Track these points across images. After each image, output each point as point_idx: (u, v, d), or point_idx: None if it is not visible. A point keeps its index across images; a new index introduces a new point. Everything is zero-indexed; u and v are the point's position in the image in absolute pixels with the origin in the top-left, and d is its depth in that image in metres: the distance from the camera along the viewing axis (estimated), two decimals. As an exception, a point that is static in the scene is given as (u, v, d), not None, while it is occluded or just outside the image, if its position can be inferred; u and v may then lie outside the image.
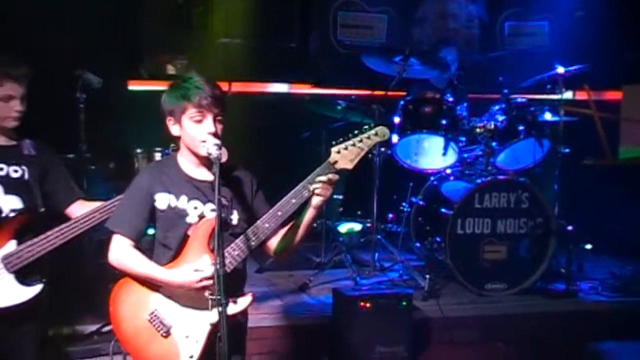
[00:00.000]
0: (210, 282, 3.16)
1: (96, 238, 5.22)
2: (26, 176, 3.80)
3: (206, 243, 3.31)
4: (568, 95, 6.30)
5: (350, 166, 3.31)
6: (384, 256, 6.35)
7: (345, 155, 3.29)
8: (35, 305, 3.72)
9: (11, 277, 3.63)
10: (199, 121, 3.30)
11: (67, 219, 3.80)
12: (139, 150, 5.28)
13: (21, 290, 3.65)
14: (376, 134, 3.32)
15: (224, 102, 3.36)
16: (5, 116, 3.70)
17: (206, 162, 3.36)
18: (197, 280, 3.21)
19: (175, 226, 3.36)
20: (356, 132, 3.32)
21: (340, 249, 6.22)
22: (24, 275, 3.66)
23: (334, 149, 3.29)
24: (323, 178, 3.24)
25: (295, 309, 5.45)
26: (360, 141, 3.30)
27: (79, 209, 3.87)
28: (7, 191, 3.74)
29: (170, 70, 7.26)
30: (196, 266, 3.25)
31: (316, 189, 3.25)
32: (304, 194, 3.28)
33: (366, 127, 3.35)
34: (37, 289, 3.69)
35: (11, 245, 3.65)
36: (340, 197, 6.75)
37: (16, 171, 3.78)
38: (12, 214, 3.71)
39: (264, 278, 6.09)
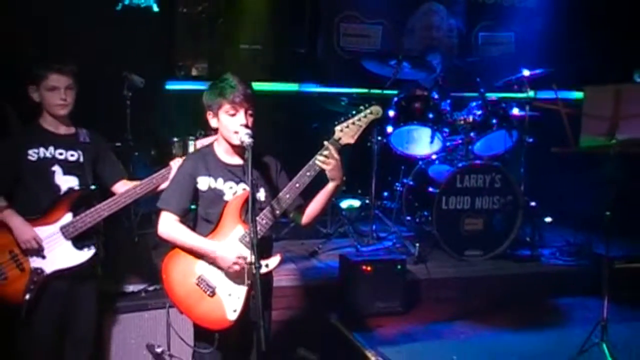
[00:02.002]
0: (242, 262, 3.15)
1: (140, 212, 5.22)
2: (81, 159, 3.73)
3: (238, 215, 3.26)
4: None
5: (352, 141, 3.24)
6: (380, 228, 6.30)
7: (347, 132, 3.22)
8: (91, 266, 3.71)
9: (69, 243, 3.62)
10: (233, 115, 3.22)
11: (113, 195, 3.75)
12: (175, 139, 5.34)
13: (77, 254, 3.64)
14: (371, 113, 3.25)
15: (254, 99, 3.27)
16: (53, 104, 3.61)
17: (238, 149, 3.30)
18: (233, 259, 3.18)
19: (215, 204, 3.30)
20: (354, 112, 3.24)
21: (344, 221, 6.16)
22: (79, 242, 3.64)
23: (337, 128, 3.22)
24: (325, 152, 3.18)
25: (307, 271, 5.42)
26: (359, 119, 3.23)
27: (122, 187, 3.82)
28: (65, 172, 3.68)
29: (194, 72, 7.17)
30: (234, 237, 3.23)
31: (319, 161, 3.18)
32: (315, 167, 3.21)
33: (362, 107, 3.25)
34: (90, 253, 3.67)
35: (68, 217, 3.62)
36: (344, 178, 6.66)
37: (73, 155, 3.71)
38: (69, 191, 3.66)
39: (279, 246, 5.96)
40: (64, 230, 3.59)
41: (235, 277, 3.23)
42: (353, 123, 3.20)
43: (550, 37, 7.58)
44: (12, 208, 3.56)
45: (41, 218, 3.58)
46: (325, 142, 3.19)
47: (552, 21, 7.67)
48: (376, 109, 3.24)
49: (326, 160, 3.17)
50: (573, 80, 5.39)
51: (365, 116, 3.22)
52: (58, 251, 3.59)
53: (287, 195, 3.23)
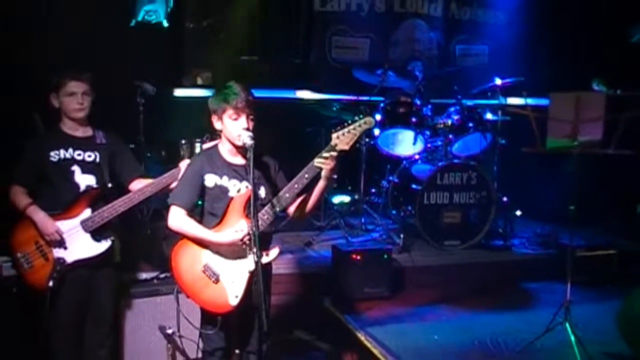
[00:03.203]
0: (249, 236, 3.14)
1: (152, 207, 5.21)
2: (98, 160, 3.74)
3: (242, 210, 3.26)
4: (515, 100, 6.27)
5: (347, 147, 3.23)
6: (368, 221, 6.27)
7: (342, 139, 3.20)
8: (108, 256, 3.72)
9: (88, 236, 3.63)
10: (236, 119, 3.23)
11: (129, 192, 3.76)
12: (183, 141, 5.33)
13: (95, 246, 3.65)
14: (365, 123, 3.23)
15: (254, 105, 3.29)
16: (71, 108, 3.63)
17: (241, 150, 3.30)
18: (240, 238, 3.19)
19: (220, 199, 3.30)
20: (350, 121, 3.23)
21: (335, 215, 6.15)
22: (97, 234, 3.66)
23: (334, 135, 3.21)
24: (325, 155, 3.18)
25: (303, 260, 5.40)
26: (354, 128, 3.21)
27: (137, 184, 3.82)
28: (84, 171, 3.69)
29: (199, 81, 7.10)
30: (235, 228, 3.22)
31: (319, 163, 3.18)
32: (314, 169, 3.21)
33: (356, 117, 3.25)
34: (107, 244, 3.68)
35: (87, 212, 3.64)
36: (335, 176, 6.63)
37: (90, 156, 3.72)
38: (88, 189, 3.68)
39: (277, 237, 5.83)
40: (83, 224, 3.61)
41: (238, 265, 3.24)
42: (348, 131, 3.19)
43: (519, 50, 7.56)
44: (36, 204, 3.58)
45: (63, 213, 3.59)
46: (323, 150, 3.19)
47: (521, 35, 7.66)
48: (369, 120, 3.24)
49: (325, 161, 3.17)
50: (540, 88, 5.38)
51: (359, 125, 3.21)
52: (78, 243, 3.60)
53: (287, 195, 3.24)
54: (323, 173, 3.22)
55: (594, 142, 4.19)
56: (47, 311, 3.43)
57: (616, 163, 5.88)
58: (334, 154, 3.17)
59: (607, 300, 5.08)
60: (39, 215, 3.54)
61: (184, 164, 3.61)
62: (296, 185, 3.23)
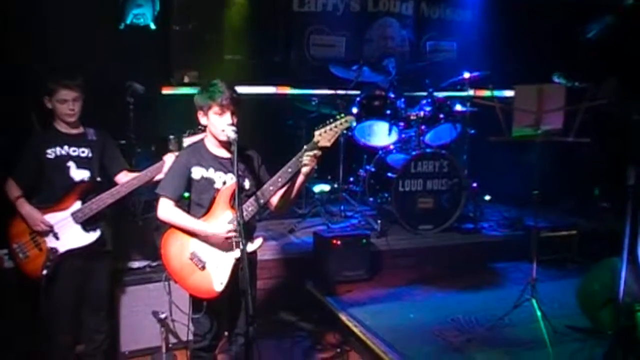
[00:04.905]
0: (234, 233, 3.14)
1: (144, 199, 5.16)
2: (90, 155, 3.73)
3: (228, 202, 3.24)
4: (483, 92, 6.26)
5: (328, 144, 3.22)
6: (347, 208, 6.26)
7: (324, 136, 3.19)
8: (100, 246, 3.70)
9: (78, 227, 3.63)
10: (221, 115, 3.20)
11: (116, 184, 3.75)
12: (171, 137, 5.16)
13: (85, 236, 3.64)
14: (346, 121, 3.22)
15: (239, 101, 3.25)
16: (63, 113, 3.63)
17: (225, 144, 3.27)
18: (226, 232, 3.18)
19: (206, 191, 3.28)
20: (331, 120, 3.21)
21: (316, 203, 6.13)
22: (87, 225, 3.64)
23: (316, 132, 3.19)
24: (310, 153, 3.15)
25: (286, 246, 5.38)
26: (335, 127, 3.20)
27: (124, 177, 3.81)
28: (78, 166, 3.69)
29: (186, 80, 6.98)
30: (224, 220, 3.21)
31: (304, 160, 3.16)
32: (297, 164, 3.18)
33: (338, 116, 3.23)
34: (96, 234, 3.67)
35: (77, 205, 3.63)
36: (315, 167, 6.64)
37: (83, 152, 3.71)
38: (79, 182, 3.66)
39: (262, 225, 5.92)
40: (74, 215, 3.59)
41: (224, 254, 3.21)
42: (330, 129, 3.18)
43: (486, 45, 7.58)
44: (24, 197, 3.57)
45: (55, 205, 3.58)
46: (305, 146, 3.17)
47: (487, 32, 7.69)
48: (350, 119, 3.24)
49: (307, 157, 3.15)
50: (505, 81, 5.40)
51: (341, 124, 3.20)
52: (70, 233, 3.58)
53: (271, 188, 3.22)
54: (304, 169, 3.19)
55: (555, 131, 4.21)
56: (44, 297, 3.39)
57: (575, 150, 5.99)
58: (317, 151, 3.16)
59: (569, 277, 5.15)
60: (25, 208, 3.54)
61: (168, 157, 3.61)
62: (279, 179, 3.20)
